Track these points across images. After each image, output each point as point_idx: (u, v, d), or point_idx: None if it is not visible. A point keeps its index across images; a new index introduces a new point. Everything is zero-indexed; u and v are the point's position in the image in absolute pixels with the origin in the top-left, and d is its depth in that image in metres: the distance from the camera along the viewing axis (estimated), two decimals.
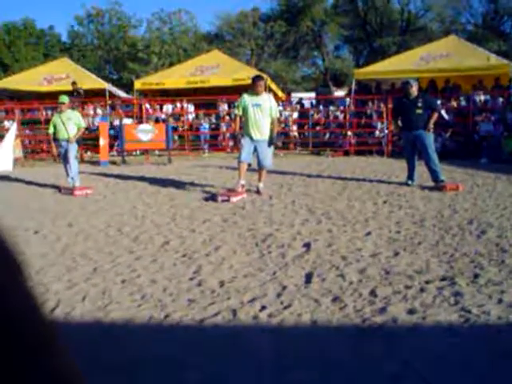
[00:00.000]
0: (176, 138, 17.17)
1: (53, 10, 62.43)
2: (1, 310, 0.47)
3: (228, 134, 16.78)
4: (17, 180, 11.17)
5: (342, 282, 4.20)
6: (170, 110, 18.44)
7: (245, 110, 8.25)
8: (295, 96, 22.01)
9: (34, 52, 37.95)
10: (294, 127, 17.71)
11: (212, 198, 8.16)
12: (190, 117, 18.23)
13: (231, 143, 16.62)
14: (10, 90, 18.99)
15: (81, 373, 0.56)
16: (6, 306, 0.48)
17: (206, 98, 18.28)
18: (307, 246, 5.33)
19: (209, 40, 37.76)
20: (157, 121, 17.03)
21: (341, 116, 17.13)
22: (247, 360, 3.00)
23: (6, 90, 19.02)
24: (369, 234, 5.78)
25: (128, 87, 25.62)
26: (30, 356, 0.49)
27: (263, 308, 3.70)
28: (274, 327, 3.43)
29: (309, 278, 4.33)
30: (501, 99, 15.33)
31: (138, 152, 16.09)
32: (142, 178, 10.85)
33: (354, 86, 17.48)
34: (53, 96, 15.15)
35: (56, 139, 9.68)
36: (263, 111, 8.20)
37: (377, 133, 15.56)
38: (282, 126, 16.27)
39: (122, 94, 22.08)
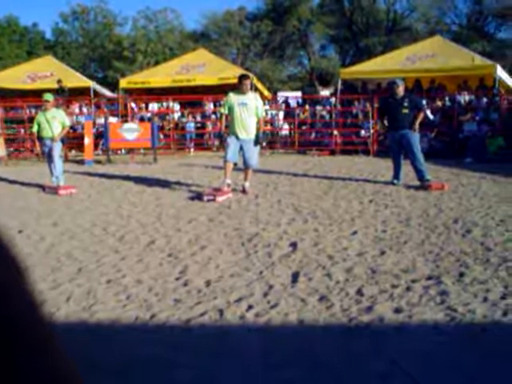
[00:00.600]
0: (161, 136, 17.09)
1: (37, 8, 61.84)
2: (1, 309, 0.47)
3: (213, 133, 16.74)
4: (0, 179, 11.03)
5: (329, 281, 4.21)
6: (156, 109, 18.35)
7: (231, 109, 8.22)
8: (281, 95, 22.02)
9: (17, 50, 37.54)
10: (286, 126, 17.72)
11: (198, 197, 8.12)
12: (176, 115, 18.16)
13: (217, 142, 16.58)
14: None
15: (79, 373, 0.55)
16: (5, 305, 0.48)
17: (191, 97, 18.22)
18: (293, 245, 5.33)
19: (194, 39, 37.65)
20: (142, 119, 16.94)
21: (327, 115, 17.17)
22: (235, 359, 2.99)
23: None
24: (355, 233, 5.79)
25: (113, 86, 25.44)
26: (28, 355, 0.48)
27: (250, 307, 3.69)
28: (261, 327, 3.42)
29: (295, 277, 4.32)
30: (485, 99, 15.48)
31: (123, 151, 16.00)
32: (127, 177, 10.78)
33: (339, 86, 17.52)
34: (36, 94, 15.00)
35: (40, 138, 9.58)
36: (249, 110, 8.18)
37: (362, 132, 15.62)
38: (269, 125, 16.28)
39: (107, 92, 21.92)
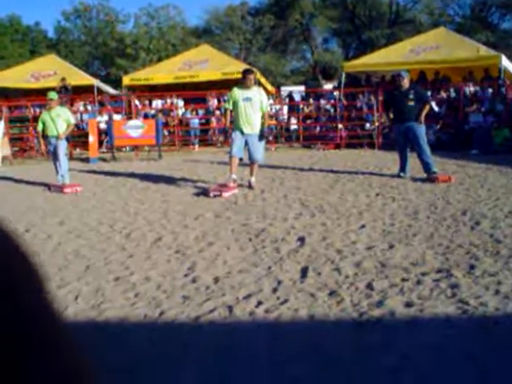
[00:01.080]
0: (166, 133, 17.07)
1: (39, 6, 61.78)
2: (13, 306, 0.48)
3: (218, 129, 16.72)
4: (5, 178, 11.04)
5: (338, 275, 4.17)
6: (160, 106, 18.31)
7: (235, 104, 8.19)
8: (285, 89, 21.95)
9: (20, 49, 37.56)
10: (294, 120, 17.66)
11: (204, 193, 8.10)
12: (180, 112, 18.11)
13: (221, 138, 16.56)
14: None
15: (91, 368, 0.56)
16: (18, 302, 0.49)
17: (195, 93, 18.17)
18: (301, 240, 5.30)
19: (197, 35, 37.59)
20: (146, 116, 16.92)
21: (331, 109, 17.10)
22: (244, 356, 2.96)
23: None
24: (363, 226, 5.75)
25: (116, 83, 25.44)
26: (39, 350, 0.49)
27: (259, 304, 3.66)
28: (271, 323, 3.39)
29: (304, 272, 4.29)
30: (490, 90, 15.36)
31: (127, 148, 15.99)
32: (132, 175, 10.77)
33: (343, 79, 17.42)
34: (40, 93, 15.00)
35: (45, 136, 9.58)
36: (254, 105, 8.14)
37: (367, 125, 15.55)
38: (274, 119, 16.25)
39: (110, 90, 21.90)
